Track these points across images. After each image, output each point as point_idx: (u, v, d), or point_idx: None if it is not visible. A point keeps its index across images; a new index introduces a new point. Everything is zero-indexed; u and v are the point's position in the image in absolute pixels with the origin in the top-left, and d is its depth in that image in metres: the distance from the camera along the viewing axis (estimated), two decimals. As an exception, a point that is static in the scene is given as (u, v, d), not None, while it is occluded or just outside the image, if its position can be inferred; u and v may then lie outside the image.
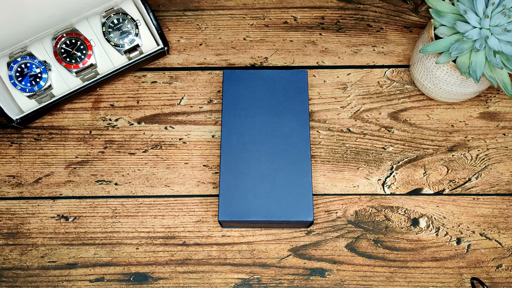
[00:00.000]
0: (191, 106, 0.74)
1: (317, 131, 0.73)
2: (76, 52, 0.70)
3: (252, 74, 0.71)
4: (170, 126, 0.73)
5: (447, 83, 0.68)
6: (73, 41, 0.70)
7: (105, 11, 0.71)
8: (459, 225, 0.68)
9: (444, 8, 0.64)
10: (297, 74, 0.71)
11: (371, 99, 0.74)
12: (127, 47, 0.71)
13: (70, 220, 0.69)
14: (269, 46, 0.77)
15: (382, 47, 0.77)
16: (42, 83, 0.69)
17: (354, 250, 0.68)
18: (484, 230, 0.68)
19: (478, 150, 0.72)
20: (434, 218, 0.69)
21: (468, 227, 0.68)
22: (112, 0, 0.72)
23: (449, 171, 0.71)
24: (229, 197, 0.65)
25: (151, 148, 0.72)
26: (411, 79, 0.75)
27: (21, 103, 0.70)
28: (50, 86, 0.70)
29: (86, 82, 0.71)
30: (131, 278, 0.67)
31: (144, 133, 0.73)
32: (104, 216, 0.69)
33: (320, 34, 0.77)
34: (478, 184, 0.70)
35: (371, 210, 0.69)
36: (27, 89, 0.69)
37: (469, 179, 0.70)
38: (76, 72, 0.70)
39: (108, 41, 0.71)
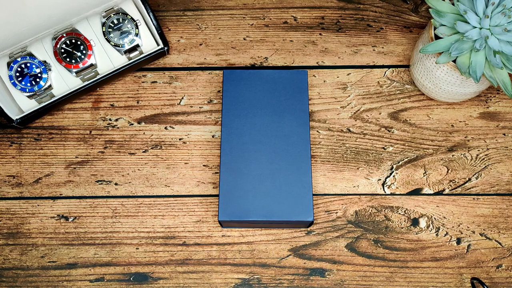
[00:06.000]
0: (191, 106, 0.74)
1: (317, 131, 0.73)
2: (76, 52, 0.70)
3: (252, 74, 0.71)
4: (170, 126, 0.73)
5: (447, 83, 0.68)
6: (73, 41, 0.70)
7: (105, 11, 0.71)
8: (459, 225, 0.68)
9: (444, 8, 0.64)
10: (297, 74, 0.71)
11: (371, 99, 0.74)
12: (127, 47, 0.71)
13: (70, 220, 0.69)
14: (269, 46, 0.77)
15: (382, 47, 0.77)
16: (42, 83, 0.69)
17: (354, 250, 0.68)
18: (484, 230, 0.68)
19: (478, 150, 0.72)
20: (434, 218, 0.69)
21: (468, 227, 0.68)
22: (112, 0, 0.72)
23: (449, 171, 0.71)
24: (229, 197, 0.65)
25: (151, 148, 0.72)
26: (411, 79, 0.75)
27: (21, 103, 0.70)
28: (50, 86, 0.70)
29: (86, 82, 0.71)
30: (131, 278, 0.67)
31: (144, 133, 0.73)
32: (104, 216, 0.69)
33: (320, 34, 0.77)
34: (478, 184, 0.70)
35: (371, 210, 0.69)
36: (27, 89, 0.69)
37: (469, 179, 0.70)
38: (76, 72, 0.70)
39: (108, 41, 0.71)
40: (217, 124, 0.73)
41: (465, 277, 0.66)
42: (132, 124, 0.73)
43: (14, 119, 0.69)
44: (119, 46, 0.71)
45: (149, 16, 0.71)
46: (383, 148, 0.72)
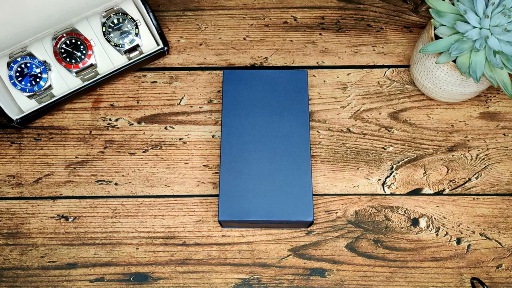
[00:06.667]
0: (191, 106, 0.74)
1: (317, 131, 0.73)
2: (76, 52, 0.70)
3: (252, 74, 0.71)
4: (170, 126, 0.73)
5: (447, 83, 0.68)
6: (73, 41, 0.70)
7: (105, 11, 0.71)
8: (459, 225, 0.68)
9: (444, 8, 0.64)
10: (297, 74, 0.71)
11: (371, 99, 0.74)
12: (127, 47, 0.71)
13: (70, 220, 0.69)
14: (269, 46, 0.77)
15: (382, 47, 0.77)
16: (42, 83, 0.69)
17: (354, 250, 0.68)
18: (484, 230, 0.68)
19: (478, 150, 0.72)
20: (434, 218, 0.69)
21: (468, 227, 0.68)
22: (112, 0, 0.72)
23: (449, 171, 0.71)
24: (229, 197, 0.65)
25: (151, 148, 0.72)
26: (411, 79, 0.75)
27: (21, 103, 0.70)
28: (50, 86, 0.70)
29: (86, 82, 0.71)
30: (131, 278, 0.67)
31: (144, 133, 0.73)
32: (104, 216, 0.69)
33: (320, 34, 0.77)
34: (478, 184, 0.70)
35: (371, 210, 0.69)
36: (27, 89, 0.69)
37: (469, 179, 0.70)
38: (76, 72, 0.70)
39: (108, 41, 0.71)
40: (217, 124, 0.73)
41: (465, 277, 0.66)
42: (132, 124, 0.73)
43: (14, 119, 0.69)
44: (119, 46, 0.71)
45: (149, 16, 0.71)
46: (383, 148, 0.72)
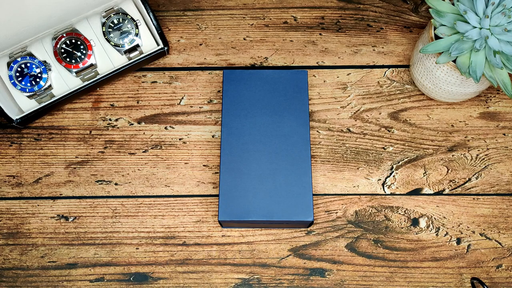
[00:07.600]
0: (191, 106, 0.74)
1: (317, 131, 0.73)
2: (76, 52, 0.70)
3: (252, 74, 0.71)
4: (170, 126, 0.73)
5: (447, 83, 0.68)
6: (73, 41, 0.70)
7: (105, 11, 0.71)
8: (459, 225, 0.68)
9: (444, 8, 0.64)
10: (297, 74, 0.71)
11: (371, 99, 0.74)
12: (127, 47, 0.71)
13: (70, 220, 0.69)
14: (269, 46, 0.77)
15: (382, 47, 0.77)
16: (42, 83, 0.69)
17: (354, 250, 0.68)
18: (484, 230, 0.68)
19: (478, 150, 0.72)
20: (434, 218, 0.69)
21: (468, 227, 0.68)
22: (112, 0, 0.72)
23: (449, 171, 0.71)
24: (229, 197, 0.65)
25: (151, 148, 0.72)
26: (411, 79, 0.75)
27: (21, 103, 0.70)
28: (50, 86, 0.70)
29: (86, 82, 0.71)
30: (131, 278, 0.67)
31: (144, 133, 0.73)
32: (104, 216, 0.69)
33: (320, 34, 0.77)
34: (478, 184, 0.70)
35: (371, 210, 0.69)
36: (27, 89, 0.69)
37: (469, 179, 0.70)
38: (76, 72, 0.70)
39: (108, 41, 0.71)
40: (217, 124, 0.73)
41: (465, 277, 0.66)
42: (132, 124, 0.73)
43: (14, 119, 0.69)
44: (119, 46, 0.71)
45: (149, 16, 0.71)
46: (383, 148, 0.72)
